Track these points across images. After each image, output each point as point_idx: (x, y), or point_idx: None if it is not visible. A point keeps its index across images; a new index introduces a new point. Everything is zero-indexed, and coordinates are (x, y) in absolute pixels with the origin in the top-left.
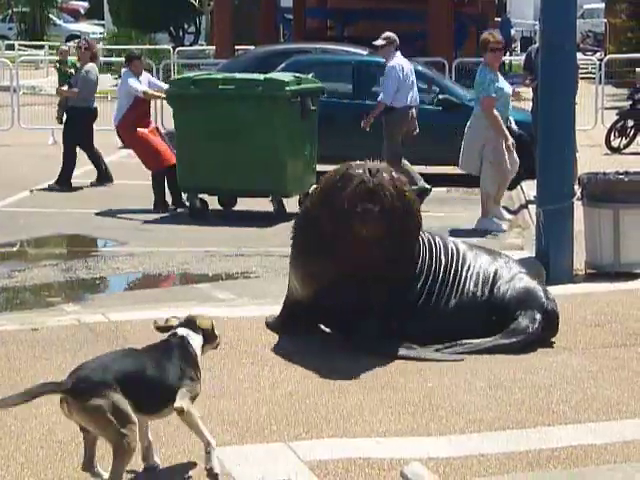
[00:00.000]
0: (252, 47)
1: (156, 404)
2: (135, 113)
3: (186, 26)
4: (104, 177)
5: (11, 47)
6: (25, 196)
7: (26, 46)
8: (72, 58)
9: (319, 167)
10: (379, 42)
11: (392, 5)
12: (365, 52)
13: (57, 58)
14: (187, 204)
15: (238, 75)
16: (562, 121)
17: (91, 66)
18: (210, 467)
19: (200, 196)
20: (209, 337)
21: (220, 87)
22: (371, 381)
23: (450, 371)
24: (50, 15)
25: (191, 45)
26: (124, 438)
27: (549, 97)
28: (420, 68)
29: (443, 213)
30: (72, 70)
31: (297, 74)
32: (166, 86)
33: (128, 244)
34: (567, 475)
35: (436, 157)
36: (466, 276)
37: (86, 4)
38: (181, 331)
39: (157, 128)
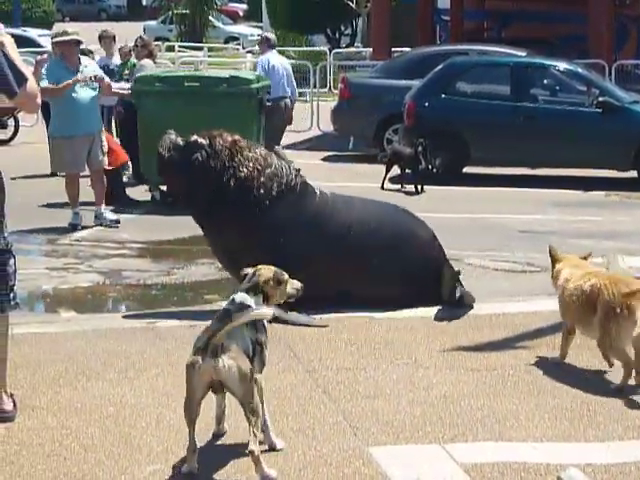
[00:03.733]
0: (408, 49)
1: None
2: None
3: (343, 28)
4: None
5: (171, 49)
6: None
7: (185, 47)
8: (133, 60)
9: (478, 170)
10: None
11: (551, 7)
12: (523, 53)
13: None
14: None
15: (203, 73)
16: None
17: (146, 62)
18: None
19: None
20: (270, 291)
21: (186, 84)
22: (527, 385)
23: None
24: (209, 17)
25: (347, 47)
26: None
27: None
28: (580, 70)
29: (601, 217)
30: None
31: (255, 72)
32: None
33: None
34: None
35: (595, 160)
36: None
37: (245, 6)
38: (238, 297)
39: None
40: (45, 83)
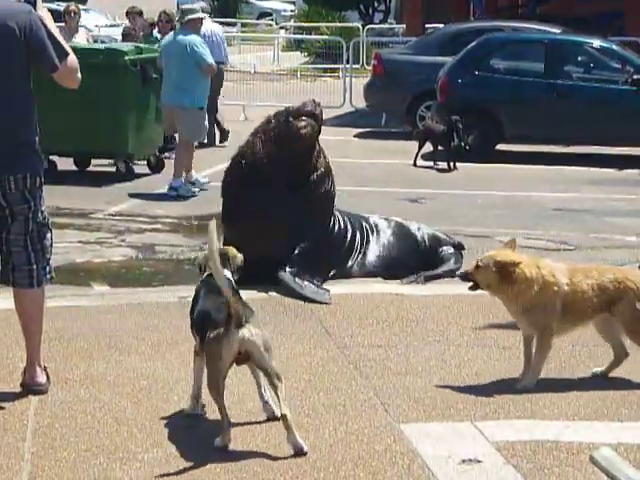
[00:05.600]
0: (442, 25)
1: None
2: None
3: (376, 4)
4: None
5: None
6: (215, 170)
7: (219, 23)
8: (156, 33)
9: (511, 147)
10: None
11: None
12: (558, 30)
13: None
14: None
15: (79, 45)
16: None
17: None
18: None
19: (51, 158)
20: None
21: None
22: (559, 364)
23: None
24: None
25: (380, 23)
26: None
27: None
28: (615, 47)
29: (635, 196)
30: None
31: (139, 45)
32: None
33: None
34: None
35: (630, 138)
36: None
37: None
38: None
39: None
40: (212, 60)
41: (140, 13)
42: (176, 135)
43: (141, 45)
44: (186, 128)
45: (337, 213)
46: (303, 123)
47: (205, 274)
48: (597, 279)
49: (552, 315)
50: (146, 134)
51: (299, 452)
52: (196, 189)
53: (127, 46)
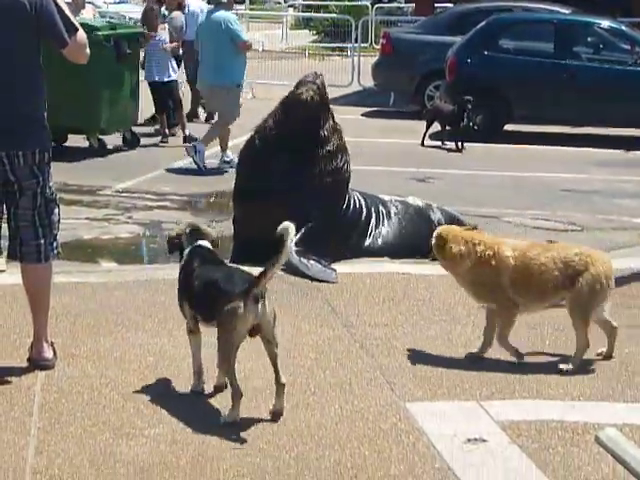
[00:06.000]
0: (451, 5)
1: None
2: None
3: None
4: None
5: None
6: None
7: None
8: (163, 10)
9: (519, 127)
10: None
11: None
12: (567, 11)
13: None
14: None
15: None
16: None
17: (176, 13)
18: None
19: None
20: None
21: None
22: (565, 344)
23: None
24: None
25: (390, 2)
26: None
27: None
28: (624, 28)
29: None
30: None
31: (113, 20)
32: None
33: None
34: None
35: (639, 119)
36: None
37: None
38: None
39: None
40: (247, 37)
41: None
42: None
43: (115, 21)
44: (226, 106)
45: (354, 194)
46: (303, 89)
47: (191, 246)
48: (559, 254)
49: (497, 289)
50: (120, 110)
51: (278, 413)
52: (230, 168)
53: (100, 21)
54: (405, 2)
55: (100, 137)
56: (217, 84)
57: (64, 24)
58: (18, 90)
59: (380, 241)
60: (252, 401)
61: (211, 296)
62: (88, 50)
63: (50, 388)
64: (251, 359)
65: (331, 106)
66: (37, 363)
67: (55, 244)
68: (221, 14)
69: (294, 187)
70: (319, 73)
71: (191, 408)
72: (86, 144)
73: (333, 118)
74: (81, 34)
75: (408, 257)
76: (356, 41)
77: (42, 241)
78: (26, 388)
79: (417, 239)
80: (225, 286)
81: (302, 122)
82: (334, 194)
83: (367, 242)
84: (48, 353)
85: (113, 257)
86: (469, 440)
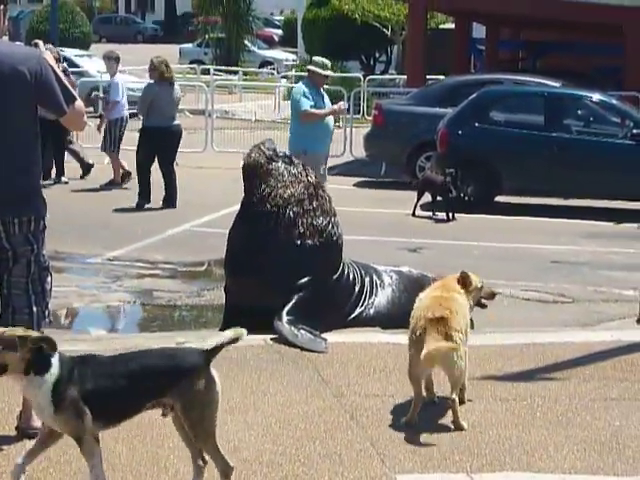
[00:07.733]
0: (443, 77)
1: None
2: None
3: (377, 55)
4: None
5: (206, 72)
6: (215, 217)
7: (221, 71)
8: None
9: (510, 199)
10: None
11: (586, 39)
12: (558, 84)
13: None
14: None
15: None
16: None
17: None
18: None
19: None
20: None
21: None
22: (556, 417)
23: (639, 411)
24: (245, 41)
25: (382, 74)
26: None
27: None
28: (614, 102)
29: (633, 250)
30: None
31: None
32: None
33: None
34: None
35: (628, 192)
36: None
37: (280, 32)
38: None
39: None
40: (308, 106)
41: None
42: None
43: None
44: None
45: (348, 263)
46: (247, 154)
47: None
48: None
49: None
50: None
51: None
52: None
53: None
54: (397, 74)
55: None
56: (292, 152)
57: (62, 93)
58: (17, 159)
59: (372, 311)
60: (242, 473)
61: None
62: (86, 118)
63: (38, 457)
64: (241, 429)
65: (309, 170)
66: (26, 432)
67: (47, 312)
68: (296, 85)
69: (274, 253)
70: (271, 140)
71: (180, 478)
72: None
73: (308, 179)
74: (79, 104)
75: (401, 327)
76: (348, 112)
77: (35, 309)
78: (14, 457)
79: (411, 309)
80: None
81: (254, 185)
82: (322, 256)
83: (359, 311)
84: (37, 422)
85: (103, 325)
86: None
